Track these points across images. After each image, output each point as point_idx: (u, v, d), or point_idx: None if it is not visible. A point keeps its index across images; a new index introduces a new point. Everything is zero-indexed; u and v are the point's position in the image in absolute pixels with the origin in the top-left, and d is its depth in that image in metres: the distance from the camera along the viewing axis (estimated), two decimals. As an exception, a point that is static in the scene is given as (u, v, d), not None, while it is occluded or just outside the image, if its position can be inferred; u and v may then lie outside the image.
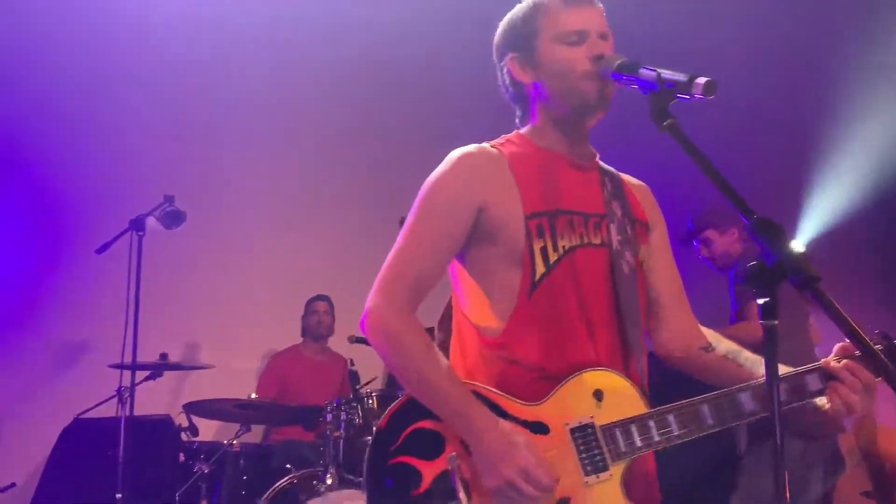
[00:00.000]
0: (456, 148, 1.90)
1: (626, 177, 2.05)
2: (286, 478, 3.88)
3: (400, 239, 1.85)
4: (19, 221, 5.17)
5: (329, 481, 3.70)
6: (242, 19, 5.55)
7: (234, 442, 4.30)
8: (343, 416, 3.93)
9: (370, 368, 4.52)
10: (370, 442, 1.78)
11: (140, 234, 4.29)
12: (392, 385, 4.91)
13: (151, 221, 4.46)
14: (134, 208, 4.40)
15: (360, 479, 2.03)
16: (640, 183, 2.08)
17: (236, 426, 4.41)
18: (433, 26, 5.59)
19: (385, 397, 4.07)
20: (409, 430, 1.77)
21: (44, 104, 5.17)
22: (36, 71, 5.17)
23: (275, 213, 5.80)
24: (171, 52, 5.42)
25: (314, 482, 3.76)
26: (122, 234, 4.23)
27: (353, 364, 4.43)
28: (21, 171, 5.20)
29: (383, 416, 1.79)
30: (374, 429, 1.81)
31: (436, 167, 1.89)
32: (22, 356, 5.10)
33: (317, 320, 5.50)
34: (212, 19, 5.48)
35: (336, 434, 3.89)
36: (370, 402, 4.05)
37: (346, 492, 3.65)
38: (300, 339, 5.57)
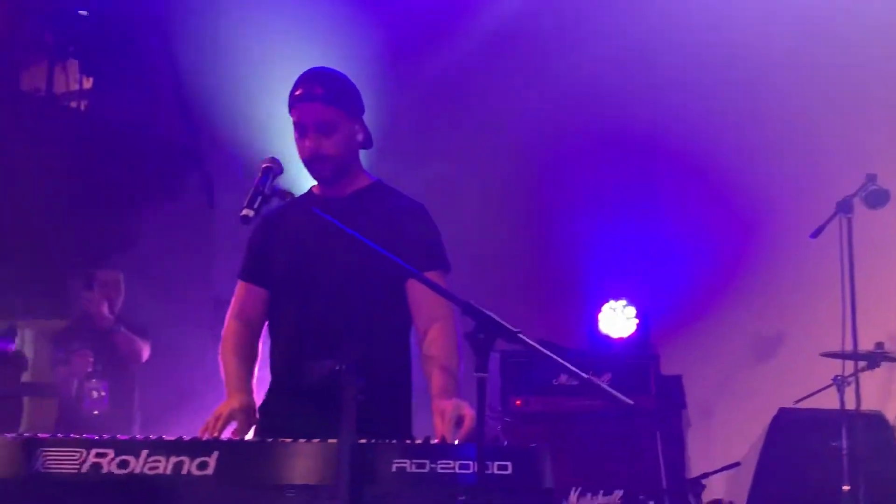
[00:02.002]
0: None
1: None
2: None
3: None
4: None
5: None
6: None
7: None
8: None
9: None
10: None
11: (847, 216, 4.12)
12: None
13: (857, 202, 4.23)
14: (838, 190, 4.22)
15: None
16: None
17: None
18: None
19: None
20: None
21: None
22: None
23: None
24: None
25: None
26: (831, 218, 4.10)
27: None
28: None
29: None
30: None
31: None
32: (727, 344, 5.31)
33: None
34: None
35: None
36: None
37: None
38: None
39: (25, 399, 5.69)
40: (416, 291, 2.49)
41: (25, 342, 6.50)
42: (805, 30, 5.06)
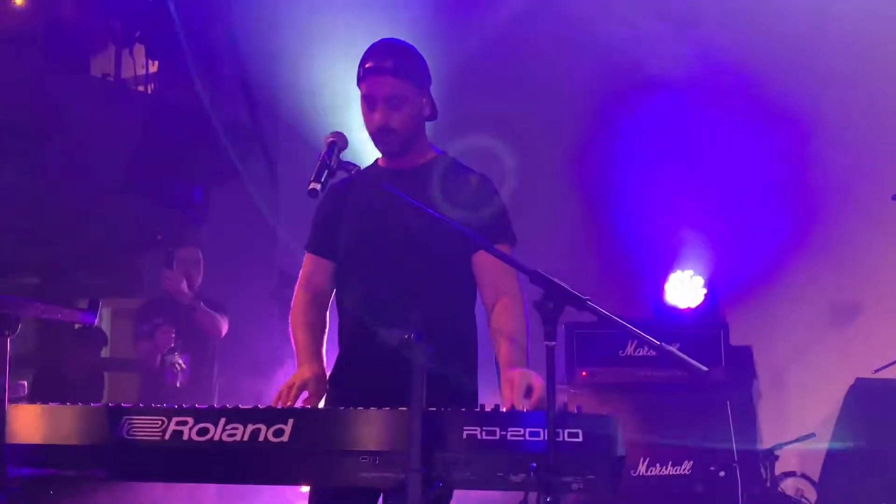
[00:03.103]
0: None
1: None
2: None
3: None
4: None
5: None
6: None
7: None
8: None
9: None
10: None
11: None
12: None
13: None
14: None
15: None
16: None
17: None
18: None
19: None
20: None
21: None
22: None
23: None
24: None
25: None
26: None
27: None
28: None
29: None
30: None
31: None
32: (799, 313, 5.20)
33: None
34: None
35: None
36: None
37: None
38: None
39: (106, 374, 5.89)
40: (484, 264, 2.50)
41: (102, 319, 6.72)
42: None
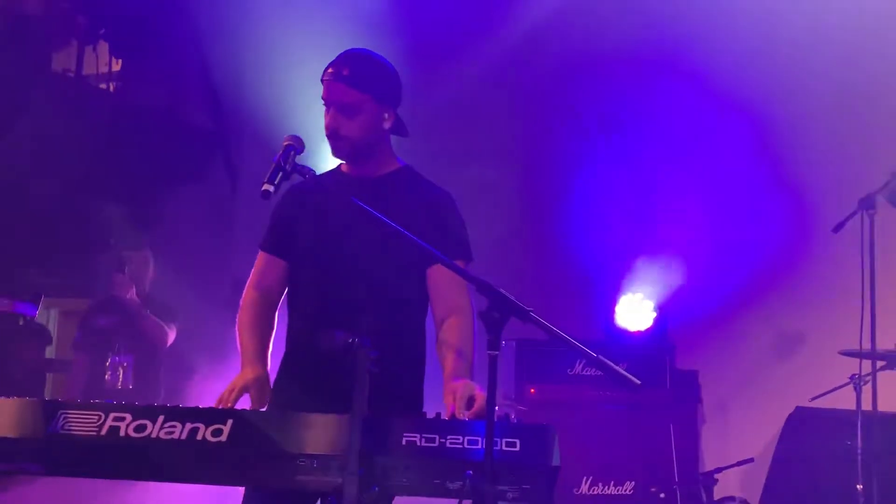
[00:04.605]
0: None
1: None
2: None
3: None
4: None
5: None
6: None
7: None
8: None
9: None
10: None
11: (870, 212, 4.08)
12: None
13: (879, 199, 4.19)
14: (861, 187, 4.19)
15: None
16: None
17: None
18: None
19: None
20: None
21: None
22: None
23: None
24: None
25: None
26: (853, 213, 4.07)
27: None
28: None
29: None
30: None
31: None
32: (745, 341, 5.30)
33: None
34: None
35: None
36: None
37: None
38: None
39: (49, 375, 5.79)
40: (439, 279, 2.54)
41: (50, 319, 6.60)
42: (826, 24, 5.03)
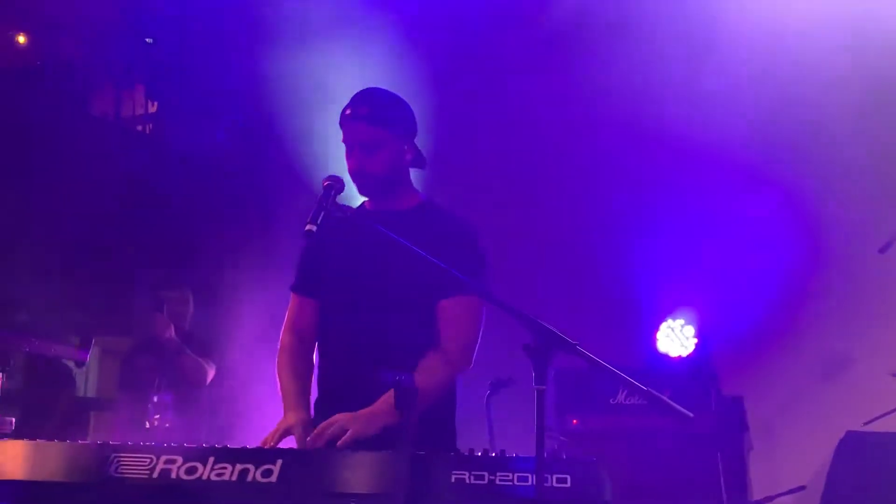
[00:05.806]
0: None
1: None
2: None
3: None
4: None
5: None
6: None
7: None
8: None
9: None
10: None
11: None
12: None
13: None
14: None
15: None
16: None
17: None
18: None
19: None
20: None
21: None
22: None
23: None
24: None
25: None
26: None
27: None
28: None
29: None
30: None
31: None
32: (791, 365, 5.20)
33: None
34: None
35: None
36: None
37: None
38: None
39: (91, 413, 5.84)
40: (444, 312, 2.54)
41: (91, 358, 6.67)
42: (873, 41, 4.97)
